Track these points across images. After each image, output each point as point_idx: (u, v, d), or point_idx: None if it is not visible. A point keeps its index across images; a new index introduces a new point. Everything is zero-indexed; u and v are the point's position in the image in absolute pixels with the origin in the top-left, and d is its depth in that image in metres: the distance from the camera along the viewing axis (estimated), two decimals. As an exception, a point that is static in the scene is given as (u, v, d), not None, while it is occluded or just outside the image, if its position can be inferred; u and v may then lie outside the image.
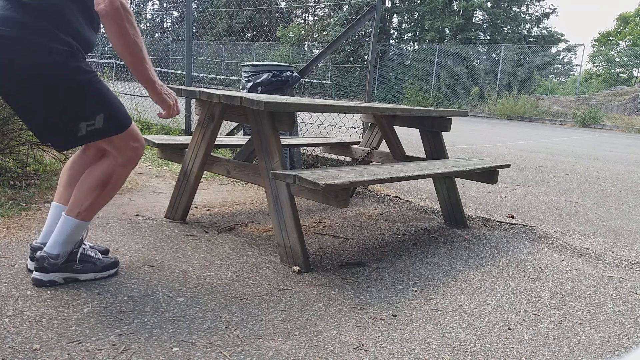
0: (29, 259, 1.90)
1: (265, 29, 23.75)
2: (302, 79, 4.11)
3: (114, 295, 1.77)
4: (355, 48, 23.34)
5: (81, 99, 1.64)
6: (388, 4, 29.13)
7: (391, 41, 29.17)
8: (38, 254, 1.77)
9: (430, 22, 26.35)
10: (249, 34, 22.56)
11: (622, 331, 1.86)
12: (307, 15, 29.94)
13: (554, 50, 26.65)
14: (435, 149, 3.21)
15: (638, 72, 29.94)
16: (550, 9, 28.06)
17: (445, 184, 3.16)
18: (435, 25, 26.16)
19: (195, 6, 6.49)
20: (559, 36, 28.37)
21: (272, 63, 3.99)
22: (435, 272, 2.32)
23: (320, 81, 19.58)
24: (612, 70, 31.27)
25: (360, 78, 18.19)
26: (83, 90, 1.64)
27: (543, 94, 23.31)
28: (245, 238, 2.56)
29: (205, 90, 2.44)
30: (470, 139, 9.49)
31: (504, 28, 27.01)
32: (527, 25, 28.04)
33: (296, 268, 2.16)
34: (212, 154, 2.64)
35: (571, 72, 29.40)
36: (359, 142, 3.68)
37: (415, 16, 29.16)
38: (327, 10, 26.29)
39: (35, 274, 1.77)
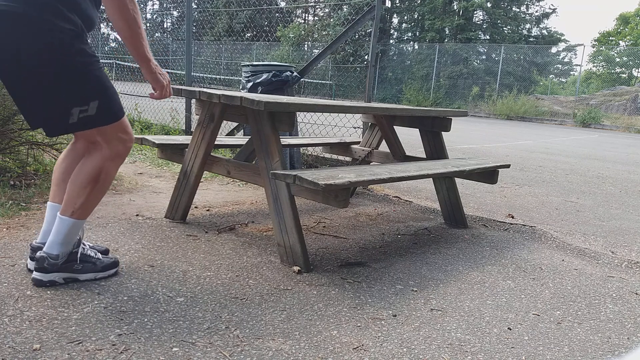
0: (29, 259, 1.90)
1: (265, 29, 23.76)
2: (302, 79, 4.11)
3: (114, 295, 1.77)
4: (355, 48, 23.34)
5: (78, 83, 1.61)
6: (388, 4, 29.13)
7: (391, 41, 29.17)
8: (38, 254, 1.77)
9: (430, 22, 26.35)
10: (249, 34, 22.57)
11: (622, 331, 1.86)
12: (307, 15, 29.94)
13: (554, 50, 26.66)
14: (435, 149, 3.21)
15: (638, 72, 29.95)
16: (550, 9, 28.09)
17: (445, 184, 3.16)
18: (435, 25, 26.16)
19: (195, 6, 6.49)
20: (559, 36, 28.37)
21: (272, 63, 3.99)
22: (435, 272, 2.32)
23: (320, 81, 19.58)
24: (612, 70, 31.27)
25: (360, 78, 18.19)
26: (82, 73, 1.61)
27: (543, 94, 23.31)
28: (245, 238, 2.56)
29: (205, 90, 2.44)
30: (470, 139, 9.49)
31: (504, 28, 27.01)
32: (527, 25, 28.05)
33: (296, 268, 2.16)
34: (212, 154, 2.64)
35: (571, 72, 29.42)
36: (359, 142, 3.68)
37: (415, 16, 29.16)
38: (327, 10, 26.29)
39: (35, 274, 1.77)
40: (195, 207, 3.04)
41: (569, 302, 2.09)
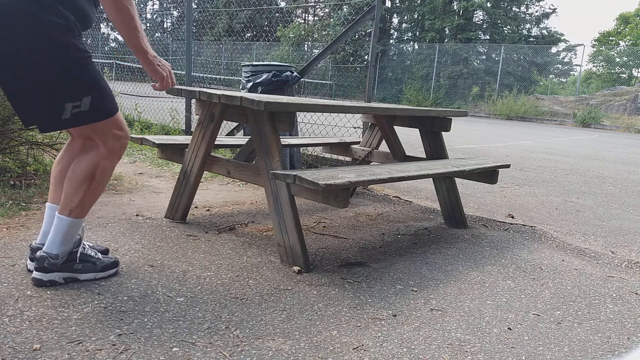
0: (28, 259, 1.90)
1: (265, 29, 23.76)
2: (302, 79, 4.11)
3: (114, 295, 1.77)
4: (355, 48, 23.34)
5: (70, 78, 1.59)
6: (388, 4, 29.13)
7: (391, 41, 29.17)
8: (38, 254, 1.77)
9: (430, 22, 26.35)
10: (249, 34, 22.56)
11: (622, 331, 1.86)
12: (307, 15, 29.94)
13: (554, 50, 26.66)
14: (435, 149, 3.21)
15: (638, 72, 29.94)
16: (550, 9, 28.09)
17: (445, 184, 3.16)
18: (435, 25, 26.16)
19: (195, 6, 6.49)
20: (559, 36, 28.37)
21: (272, 63, 3.99)
22: (435, 272, 2.32)
23: (320, 81, 19.58)
24: (612, 70, 31.27)
25: (360, 78, 18.19)
26: (74, 68, 1.59)
27: (543, 94, 23.31)
28: (245, 238, 2.56)
29: (205, 90, 2.44)
30: (470, 139, 9.49)
31: (504, 28, 27.01)
32: (527, 25, 28.05)
33: (296, 268, 2.16)
34: (212, 154, 2.64)
35: (571, 72, 29.42)
36: (359, 142, 3.68)
37: (415, 16, 29.16)
38: (327, 10, 26.29)
39: (35, 274, 1.77)
40: (195, 207, 3.04)
41: (569, 302, 2.09)
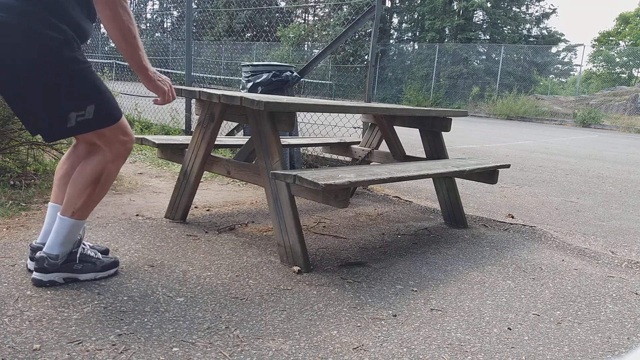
0: (28, 259, 1.91)
1: (265, 29, 23.76)
2: (302, 79, 4.11)
3: (114, 295, 1.77)
4: (355, 48, 23.34)
5: (73, 89, 1.62)
6: (388, 4, 29.13)
7: (391, 41, 29.17)
8: (38, 254, 1.77)
9: (430, 22, 26.35)
10: (249, 34, 22.56)
11: (622, 331, 1.86)
12: (307, 15, 29.94)
13: (554, 50, 26.66)
14: (435, 149, 3.21)
15: (638, 72, 29.95)
16: (550, 9, 28.09)
17: (445, 184, 3.16)
18: (435, 25, 26.16)
19: (195, 6, 6.49)
20: (559, 36, 28.37)
21: (272, 63, 3.99)
22: (435, 272, 2.32)
23: (320, 81, 19.58)
24: (612, 70, 31.27)
25: (360, 78, 18.19)
26: (75, 79, 1.61)
27: (543, 94, 23.31)
28: (245, 238, 2.56)
29: (205, 90, 2.44)
30: (470, 139, 9.49)
31: (504, 28, 27.01)
32: (527, 25, 28.05)
33: (296, 268, 2.16)
34: (212, 154, 2.64)
35: (571, 72, 29.42)
36: (359, 142, 3.68)
37: (415, 16, 29.16)
38: (327, 10, 26.29)
39: (35, 274, 1.77)
40: (195, 207, 3.04)
41: (569, 302, 2.09)
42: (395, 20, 30.25)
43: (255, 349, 1.51)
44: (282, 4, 27.81)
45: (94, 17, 1.73)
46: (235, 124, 4.53)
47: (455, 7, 26.75)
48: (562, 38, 28.70)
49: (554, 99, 22.09)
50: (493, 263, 2.51)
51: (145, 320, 1.63)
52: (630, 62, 29.67)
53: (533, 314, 1.95)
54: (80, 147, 1.88)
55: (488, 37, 27.16)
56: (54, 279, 1.78)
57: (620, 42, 35.89)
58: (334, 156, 4.15)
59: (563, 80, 31.16)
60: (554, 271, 2.47)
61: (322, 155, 4.28)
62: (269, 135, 2.23)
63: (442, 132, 3.17)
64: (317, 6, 27.49)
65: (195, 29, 7.63)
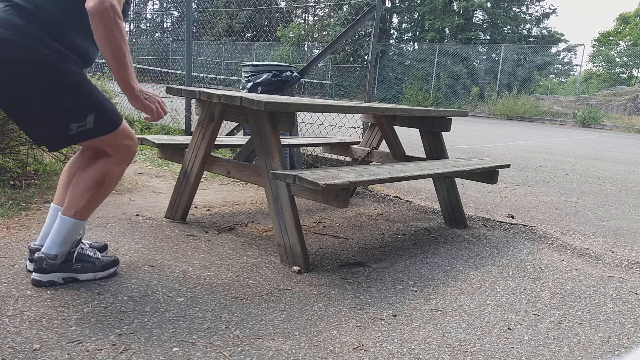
0: (28, 261, 1.91)
1: (265, 29, 23.75)
2: (302, 79, 4.11)
3: (114, 295, 1.77)
4: (355, 48, 23.33)
5: (71, 101, 1.65)
6: (388, 4, 29.13)
7: (391, 41, 29.17)
8: (36, 255, 1.78)
9: (430, 22, 26.35)
10: (249, 34, 22.56)
11: (622, 331, 1.86)
12: (307, 15, 29.94)
13: (554, 50, 26.65)
14: (435, 149, 3.21)
15: (638, 72, 29.94)
16: (550, 9, 28.09)
17: (445, 184, 3.16)
18: (435, 25, 26.16)
19: (195, 6, 6.49)
20: (559, 36, 28.37)
21: (272, 63, 3.99)
22: (435, 272, 2.32)
23: (320, 81, 19.57)
24: (612, 70, 31.27)
25: (360, 78, 18.19)
26: (73, 92, 1.65)
27: (543, 94, 23.31)
28: (245, 238, 2.56)
29: (205, 90, 2.44)
30: (470, 139, 9.49)
31: (504, 28, 27.01)
32: (527, 25, 28.05)
33: (296, 268, 2.16)
34: (212, 154, 2.64)
35: (571, 72, 29.42)
36: (359, 142, 3.68)
37: (415, 16, 29.16)
38: (327, 10, 26.29)
39: (34, 275, 1.78)
40: (195, 207, 3.04)
41: (569, 302, 2.09)
42: (395, 20, 30.26)
43: (255, 349, 1.51)
44: (282, 4, 27.81)
45: (81, 49, 1.75)
46: (235, 124, 4.53)
47: (455, 7, 26.75)
48: (562, 38, 28.70)
49: (554, 99, 22.09)
50: (493, 263, 2.51)
51: (145, 320, 1.63)
52: (630, 62, 29.67)
53: (533, 314, 1.95)
54: (88, 152, 1.91)
55: (488, 37, 27.16)
56: (54, 279, 1.78)
57: (620, 42, 35.90)
58: (334, 156, 4.15)
59: (563, 80, 31.16)
60: (554, 271, 2.47)
61: (322, 155, 4.28)
62: (269, 135, 2.23)
63: (442, 132, 3.17)
64: (317, 6, 27.49)
65: (195, 29, 7.63)
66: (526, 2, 27.44)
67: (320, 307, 1.84)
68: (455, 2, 26.61)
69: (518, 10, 27.44)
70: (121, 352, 1.43)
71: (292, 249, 2.20)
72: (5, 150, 3.18)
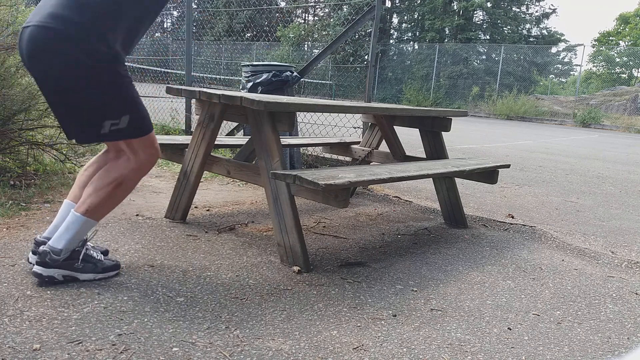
0: (30, 253, 1.91)
1: (265, 29, 23.74)
2: (302, 79, 4.11)
3: (114, 295, 1.77)
4: (355, 48, 23.33)
5: (113, 99, 1.72)
6: (388, 4, 29.13)
7: (391, 41, 29.17)
8: (41, 248, 1.78)
9: (430, 22, 26.35)
10: (249, 34, 22.55)
11: (622, 331, 1.86)
12: (307, 15, 29.94)
13: (554, 50, 26.65)
14: (435, 149, 3.21)
15: (638, 72, 29.94)
16: (550, 9, 28.09)
17: (445, 184, 3.16)
18: (435, 25, 26.16)
19: (195, 6, 6.48)
20: (559, 36, 28.37)
21: (272, 63, 3.99)
22: (435, 272, 2.32)
23: (320, 81, 19.57)
24: (612, 70, 31.27)
25: (360, 78, 18.18)
26: (116, 90, 1.72)
27: (543, 94, 23.31)
28: (245, 238, 2.56)
29: (205, 90, 2.44)
30: (470, 139, 9.49)
31: (504, 28, 27.01)
32: (527, 25, 28.06)
33: (296, 268, 2.16)
34: (212, 154, 2.64)
35: (571, 72, 29.42)
36: (359, 142, 3.68)
37: (415, 16, 29.16)
38: (327, 10, 26.29)
39: (36, 268, 1.78)
40: (195, 207, 3.04)
41: (569, 302, 2.09)
42: (395, 20, 30.26)
43: (255, 349, 1.51)
44: (282, 4, 27.80)
45: (128, 50, 1.83)
46: (235, 124, 4.53)
47: (455, 7, 26.76)
48: (562, 38, 28.70)
49: (554, 99, 22.09)
50: (493, 263, 2.51)
51: (145, 320, 1.63)
52: (630, 62, 29.67)
53: (533, 314, 1.95)
54: (110, 153, 1.94)
55: (488, 37, 27.16)
56: (54, 275, 1.78)
57: (620, 42, 35.90)
58: (334, 156, 4.15)
59: (563, 80, 31.16)
60: (554, 271, 2.47)
61: (322, 155, 4.28)
62: (269, 135, 2.23)
63: (442, 132, 3.17)
64: (317, 6, 27.49)
65: (195, 29, 7.63)
66: (526, 2, 27.44)
67: (320, 307, 1.84)
68: (455, 2, 26.61)
69: (518, 10, 27.45)
70: (121, 352, 1.43)
71: (292, 249, 2.20)
72: (5, 150, 3.18)
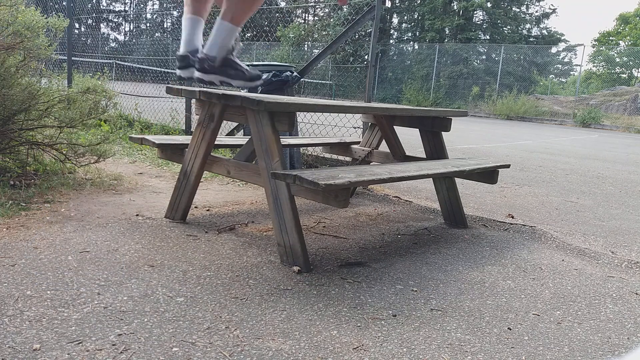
0: (177, 69, 2.03)
1: (265, 29, 23.73)
2: (302, 79, 4.11)
3: (114, 295, 1.77)
4: (355, 48, 23.34)
5: None
6: (388, 4, 29.13)
7: (391, 41, 29.18)
8: (199, 55, 1.91)
9: (430, 22, 26.37)
10: (248, 34, 22.55)
11: (622, 331, 1.86)
12: (307, 15, 29.94)
13: (554, 50, 26.68)
14: (435, 149, 3.21)
15: (638, 72, 29.95)
16: (550, 9, 28.13)
17: (445, 184, 3.16)
18: (435, 25, 26.18)
19: (195, 6, 6.46)
20: (559, 36, 28.40)
21: (272, 63, 3.99)
22: (435, 272, 2.32)
23: (320, 81, 19.58)
24: (612, 71, 31.28)
25: (360, 78, 18.18)
26: None
27: (543, 94, 23.32)
28: (245, 238, 2.56)
29: (205, 90, 2.45)
30: (470, 139, 9.49)
31: (504, 28, 27.03)
32: (527, 25, 28.08)
33: (296, 268, 2.16)
34: (212, 154, 2.64)
35: (571, 72, 29.44)
36: (359, 142, 3.68)
37: (415, 16, 29.18)
38: (327, 10, 26.28)
39: (197, 74, 1.92)
40: (195, 207, 3.04)
41: (569, 302, 2.09)
42: (395, 20, 30.28)
43: (255, 349, 1.51)
44: (282, 4, 27.80)
45: None
46: (235, 124, 4.53)
47: (455, 7, 26.77)
48: (562, 38, 28.73)
49: (554, 99, 22.09)
50: (493, 263, 2.51)
51: (145, 320, 1.63)
52: (630, 62, 29.68)
53: (533, 314, 1.95)
54: None
55: (488, 37, 27.18)
56: (213, 80, 1.92)
57: (620, 42, 35.91)
58: (334, 156, 4.15)
59: (563, 80, 31.17)
60: (554, 271, 2.47)
61: (322, 155, 4.28)
62: (269, 135, 2.23)
63: (442, 132, 3.17)
64: (317, 6, 27.48)
65: (195, 29, 7.60)
66: (526, 2, 27.47)
67: (320, 307, 1.84)
68: (455, 2, 26.63)
69: (518, 10, 27.47)
70: (121, 352, 1.43)
71: (292, 249, 2.20)
72: (5, 150, 3.18)
